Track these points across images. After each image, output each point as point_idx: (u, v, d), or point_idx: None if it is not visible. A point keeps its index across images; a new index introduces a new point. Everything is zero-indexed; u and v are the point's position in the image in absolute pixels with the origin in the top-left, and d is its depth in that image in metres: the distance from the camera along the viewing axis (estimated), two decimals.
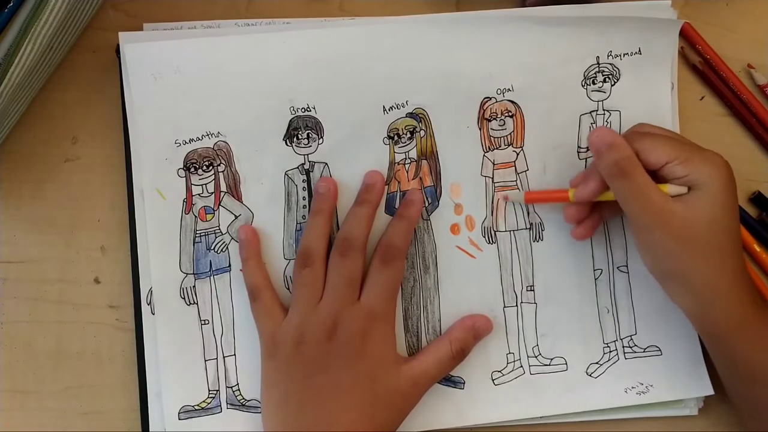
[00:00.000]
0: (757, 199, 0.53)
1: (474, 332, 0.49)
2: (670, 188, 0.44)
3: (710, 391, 0.50)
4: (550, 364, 0.51)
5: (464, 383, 0.50)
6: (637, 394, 0.50)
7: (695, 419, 0.51)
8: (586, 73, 0.51)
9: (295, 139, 0.50)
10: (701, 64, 0.54)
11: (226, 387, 0.49)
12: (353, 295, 0.47)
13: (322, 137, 0.50)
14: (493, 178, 0.51)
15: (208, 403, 0.49)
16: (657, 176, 0.45)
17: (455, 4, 0.52)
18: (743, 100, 0.53)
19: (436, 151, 0.51)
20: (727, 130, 0.54)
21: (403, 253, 0.48)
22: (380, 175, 0.49)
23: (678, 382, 0.51)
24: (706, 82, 0.54)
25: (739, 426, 0.52)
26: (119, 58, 0.49)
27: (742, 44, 0.54)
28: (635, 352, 0.51)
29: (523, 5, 0.51)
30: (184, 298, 0.49)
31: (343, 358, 0.46)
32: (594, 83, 0.51)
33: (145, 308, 0.49)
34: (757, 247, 0.52)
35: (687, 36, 0.53)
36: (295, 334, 0.46)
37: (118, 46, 0.49)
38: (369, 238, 0.48)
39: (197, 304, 0.49)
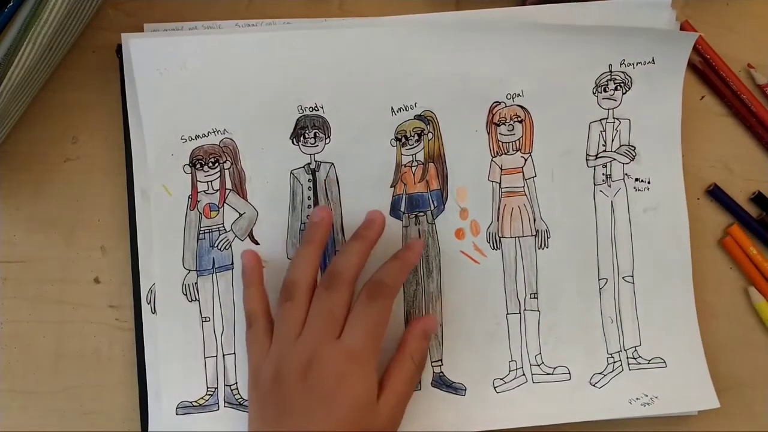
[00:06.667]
0: (757, 199, 0.53)
1: (425, 335, 0.47)
2: None
3: (716, 404, 0.50)
4: (553, 373, 0.51)
5: (465, 390, 0.50)
6: (641, 405, 0.50)
7: (695, 419, 0.52)
8: (597, 81, 0.51)
9: (301, 138, 0.50)
10: (701, 64, 0.54)
11: (225, 385, 0.49)
12: (333, 332, 0.44)
13: (329, 137, 0.50)
14: (500, 183, 0.51)
15: (206, 400, 0.49)
16: None
17: (455, 3, 0.52)
18: (743, 100, 0.53)
19: (444, 154, 0.50)
20: (727, 130, 0.54)
21: (392, 292, 0.46)
22: (382, 215, 0.48)
23: (683, 394, 0.51)
24: (706, 82, 0.54)
25: (737, 427, 0.52)
26: (119, 58, 0.49)
27: (742, 44, 0.54)
28: (639, 363, 0.51)
29: (523, 4, 0.51)
30: (186, 295, 0.49)
31: (317, 400, 0.43)
32: (605, 91, 0.51)
33: (145, 308, 0.49)
34: (753, 250, 0.52)
35: None
36: (273, 370, 0.44)
37: (118, 45, 0.49)
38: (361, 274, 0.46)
39: (199, 300, 0.49)
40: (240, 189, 0.50)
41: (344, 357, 0.43)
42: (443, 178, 0.51)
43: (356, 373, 0.43)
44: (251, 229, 0.50)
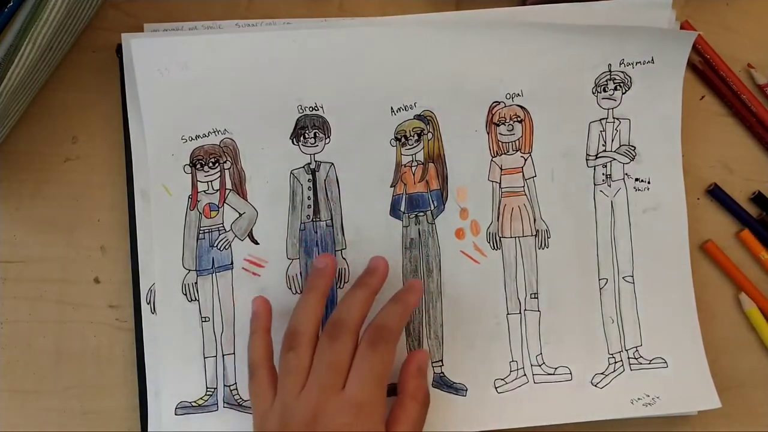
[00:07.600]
0: (757, 198, 0.53)
1: (421, 372, 0.46)
2: None
3: (717, 404, 0.50)
4: (554, 374, 0.51)
5: (466, 390, 0.50)
6: (643, 405, 0.50)
7: (696, 419, 0.51)
8: (597, 81, 0.51)
9: (301, 138, 0.50)
10: (701, 64, 0.54)
11: (224, 385, 0.49)
12: (337, 383, 0.43)
13: (329, 137, 0.50)
14: (500, 183, 0.51)
15: (205, 401, 0.49)
16: None
17: (455, 3, 0.52)
18: (743, 100, 0.53)
19: (443, 154, 0.50)
20: (727, 130, 0.54)
21: (395, 336, 0.45)
22: (385, 261, 0.47)
23: (685, 394, 0.51)
24: (706, 82, 0.54)
25: (737, 427, 0.52)
26: (119, 58, 0.49)
27: (742, 44, 0.54)
28: (641, 363, 0.51)
29: (523, 4, 0.51)
30: (185, 295, 0.49)
31: None
32: (605, 90, 0.51)
33: (145, 308, 0.49)
34: (765, 255, 0.53)
35: None
36: (278, 423, 0.43)
37: (118, 45, 0.49)
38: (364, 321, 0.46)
39: (198, 300, 0.49)
40: (240, 189, 0.50)
41: (350, 410, 0.42)
42: (443, 178, 0.51)
43: (363, 425, 0.42)
44: (251, 229, 0.50)
